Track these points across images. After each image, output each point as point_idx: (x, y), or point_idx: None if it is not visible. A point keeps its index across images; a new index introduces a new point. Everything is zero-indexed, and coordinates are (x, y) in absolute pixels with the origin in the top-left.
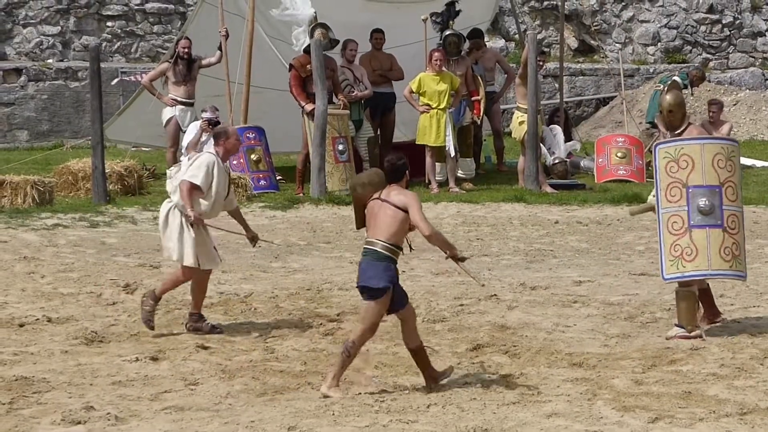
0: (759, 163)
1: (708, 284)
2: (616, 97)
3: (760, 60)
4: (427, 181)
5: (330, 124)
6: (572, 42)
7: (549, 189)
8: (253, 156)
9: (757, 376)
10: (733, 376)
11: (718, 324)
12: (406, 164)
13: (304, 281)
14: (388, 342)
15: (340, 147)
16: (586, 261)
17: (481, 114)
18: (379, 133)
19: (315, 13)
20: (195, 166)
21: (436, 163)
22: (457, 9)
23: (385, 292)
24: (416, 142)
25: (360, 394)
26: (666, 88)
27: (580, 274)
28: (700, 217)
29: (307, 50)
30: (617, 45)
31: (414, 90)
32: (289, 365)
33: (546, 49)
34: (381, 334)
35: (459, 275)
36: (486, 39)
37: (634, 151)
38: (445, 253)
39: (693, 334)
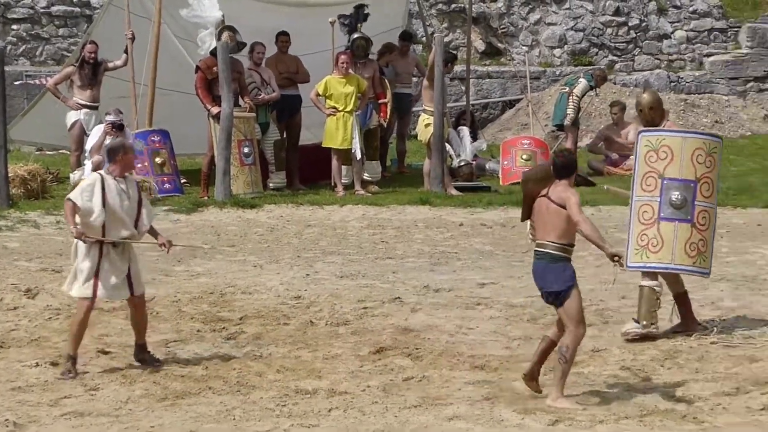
0: None
1: (686, 290)
2: (522, 99)
3: (665, 62)
4: (333, 183)
5: (236, 127)
6: (479, 45)
7: (454, 191)
8: (157, 159)
9: (657, 378)
10: (633, 378)
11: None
12: (575, 162)
13: (207, 285)
14: (291, 346)
15: (246, 150)
16: (490, 263)
17: (388, 117)
18: (285, 135)
19: (222, 15)
20: (79, 186)
21: (343, 166)
22: (365, 12)
23: (571, 289)
24: (323, 145)
25: (262, 398)
26: (643, 89)
27: (484, 277)
28: (670, 210)
29: (214, 52)
30: (524, 47)
31: (320, 93)
32: (190, 370)
33: (453, 52)
34: (284, 338)
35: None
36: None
37: (539, 153)
38: (604, 251)
39: (646, 330)
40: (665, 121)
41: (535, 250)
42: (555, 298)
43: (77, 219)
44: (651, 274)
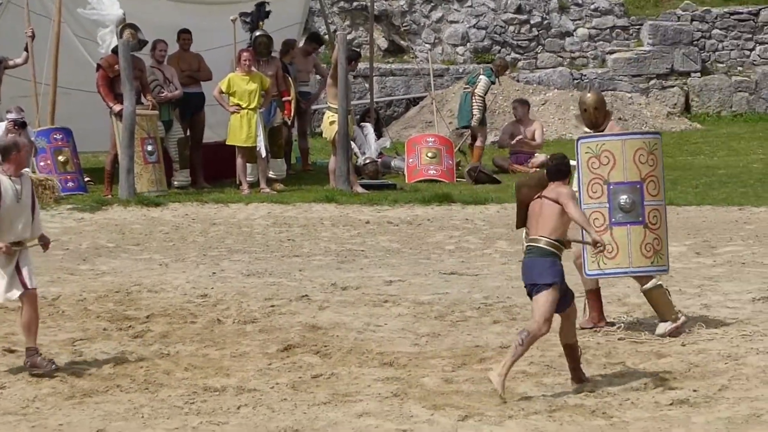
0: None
1: (599, 288)
2: (426, 97)
3: (568, 60)
4: (237, 182)
5: (138, 125)
6: (382, 42)
7: (360, 189)
8: (60, 157)
9: (565, 374)
10: (542, 374)
11: (596, 329)
12: (569, 165)
13: (112, 283)
14: (198, 344)
15: (149, 148)
16: (397, 261)
17: (292, 115)
18: (189, 133)
19: (123, 13)
20: None
21: (247, 164)
22: (267, 9)
23: (551, 286)
24: (227, 143)
25: (170, 396)
26: (588, 88)
27: (391, 274)
28: (621, 215)
29: (115, 50)
30: (427, 45)
31: (224, 90)
32: (97, 368)
33: (357, 50)
34: (191, 336)
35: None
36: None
37: (444, 151)
38: (590, 236)
39: (680, 322)
40: (608, 122)
41: (527, 246)
42: (537, 291)
43: None
44: (647, 277)
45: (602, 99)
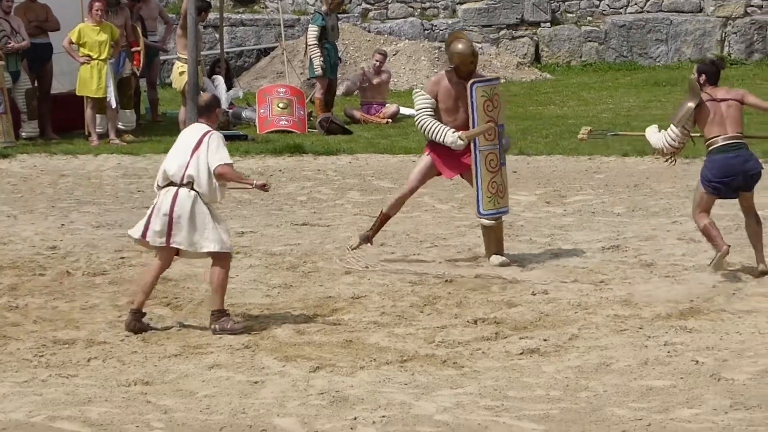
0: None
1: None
2: (277, 47)
3: (418, 10)
4: (87, 133)
5: None
6: None
7: None
8: None
9: (417, 324)
10: (394, 324)
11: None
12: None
13: None
14: (47, 296)
15: None
16: (249, 212)
17: (141, 65)
18: (36, 84)
19: None
20: None
21: (97, 115)
22: None
23: None
24: (77, 94)
25: (19, 349)
26: (454, 38)
27: (243, 225)
28: (503, 156)
29: None
30: None
31: (74, 41)
32: None
33: (208, 0)
34: (40, 288)
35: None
36: None
37: (295, 101)
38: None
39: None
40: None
41: (732, 144)
42: (756, 179)
43: None
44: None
45: (475, 49)
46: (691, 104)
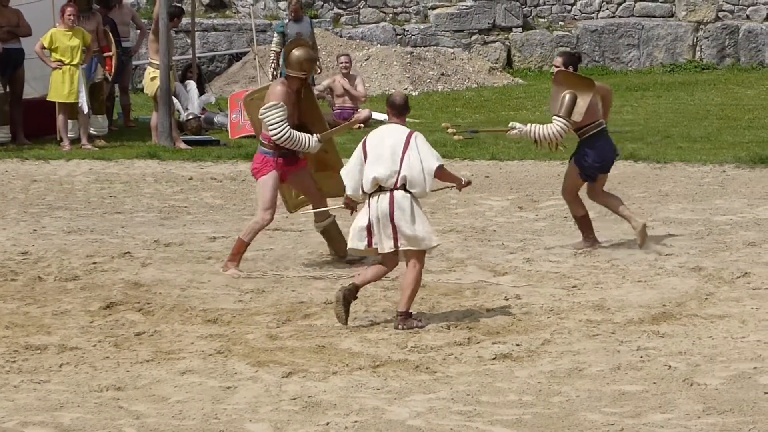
0: None
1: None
2: (249, 52)
3: (390, 15)
4: (58, 138)
5: None
6: None
7: (183, 145)
8: None
9: (389, 329)
10: (366, 329)
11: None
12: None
13: None
14: (19, 302)
15: None
16: (221, 217)
17: (113, 70)
18: (8, 89)
19: None
20: None
21: (68, 120)
22: None
23: None
24: (48, 99)
25: None
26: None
27: (215, 230)
28: None
29: None
30: (249, 0)
31: (46, 45)
32: None
33: (179, 6)
34: (12, 293)
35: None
36: None
37: None
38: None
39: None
40: None
41: (605, 127)
42: None
43: None
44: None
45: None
46: (575, 94)
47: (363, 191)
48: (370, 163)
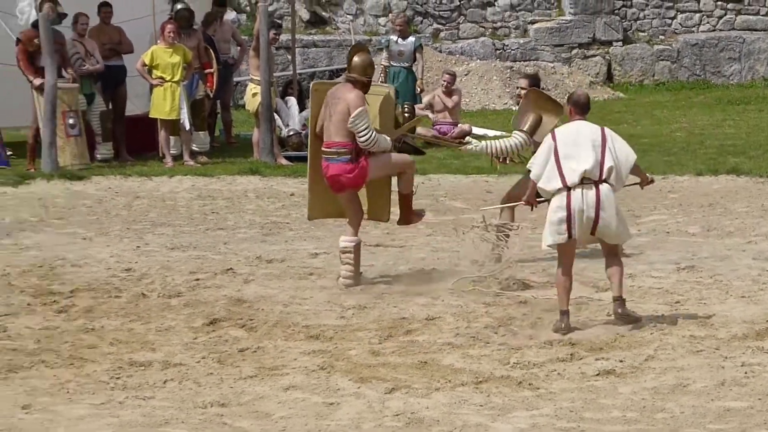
0: (491, 132)
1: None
2: None
3: (489, 30)
4: (161, 155)
5: (60, 99)
6: (304, 14)
7: (284, 161)
8: None
9: (491, 345)
10: (468, 345)
11: None
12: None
13: (36, 258)
14: (123, 318)
15: (71, 121)
16: (322, 233)
17: (215, 87)
18: (111, 106)
19: None
20: None
21: (171, 137)
22: None
23: None
24: (150, 116)
25: (95, 371)
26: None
27: (317, 246)
28: None
29: (35, 24)
30: (349, 16)
31: (147, 63)
32: (22, 343)
33: (279, 21)
34: (116, 310)
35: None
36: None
37: None
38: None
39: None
40: None
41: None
42: None
43: None
44: None
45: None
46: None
47: (561, 184)
48: (568, 157)
